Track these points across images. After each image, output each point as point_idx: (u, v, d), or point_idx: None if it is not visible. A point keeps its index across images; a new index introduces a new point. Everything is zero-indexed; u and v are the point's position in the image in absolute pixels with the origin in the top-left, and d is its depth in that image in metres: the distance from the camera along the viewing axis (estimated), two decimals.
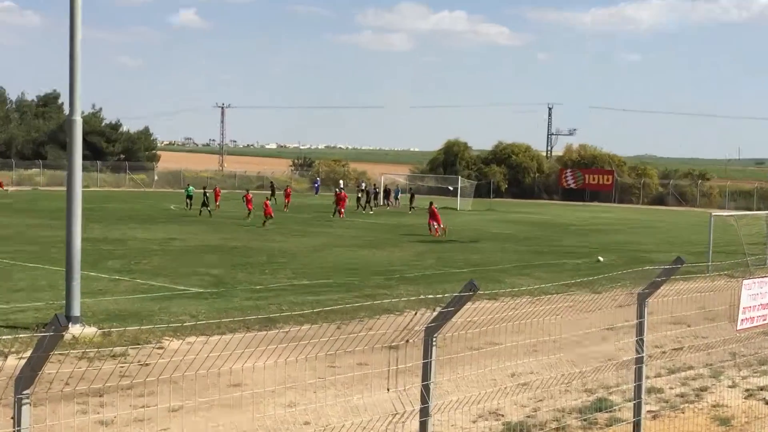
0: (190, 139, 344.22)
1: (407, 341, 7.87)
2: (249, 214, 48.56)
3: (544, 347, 11.43)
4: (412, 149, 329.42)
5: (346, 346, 9.07)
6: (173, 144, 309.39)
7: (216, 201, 54.53)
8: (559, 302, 12.05)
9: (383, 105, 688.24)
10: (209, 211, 50.63)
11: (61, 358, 11.81)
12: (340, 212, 53.40)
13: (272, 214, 44.90)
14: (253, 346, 7.59)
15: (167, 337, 15.60)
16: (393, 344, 8.76)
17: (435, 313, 7.44)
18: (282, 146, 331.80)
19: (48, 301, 19.62)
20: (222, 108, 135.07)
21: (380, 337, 8.43)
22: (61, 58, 16.48)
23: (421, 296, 19.56)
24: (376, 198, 67.08)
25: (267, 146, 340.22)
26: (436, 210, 42.19)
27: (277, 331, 13.07)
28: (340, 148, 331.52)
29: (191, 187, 57.13)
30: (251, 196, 51.00)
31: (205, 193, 51.89)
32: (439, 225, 41.44)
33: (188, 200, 55.31)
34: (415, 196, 66.23)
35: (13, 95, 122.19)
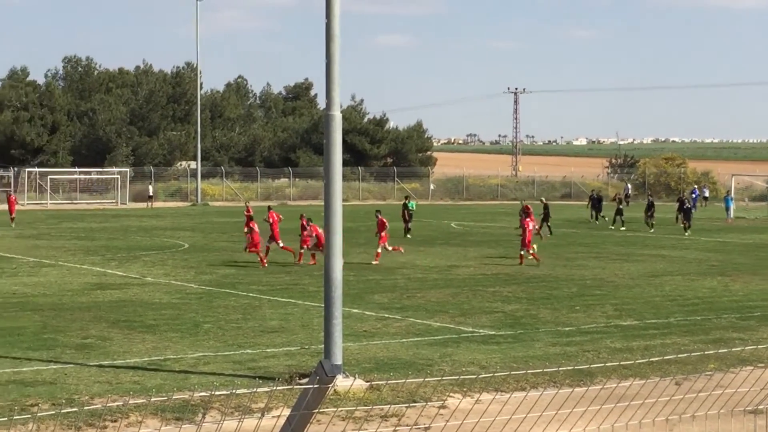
0: (475, 136, 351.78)
1: None
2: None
3: None
4: None
5: (691, 409, 8.86)
6: (452, 143, 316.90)
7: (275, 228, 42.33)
8: None
9: (731, 83, 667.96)
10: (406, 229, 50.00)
11: (322, 418, 12.37)
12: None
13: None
14: (566, 407, 7.60)
15: (452, 394, 15.91)
16: (757, 408, 8.47)
17: None
18: (594, 141, 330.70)
19: (302, 344, 20.62)
20: (515, 94, 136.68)
21: (739, 399, 8.19)
22: (315, 39, 17.32)
23: None
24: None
25: (575, 142, 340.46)
26: (530, 219, 38.06)
27: (599, 388, 12.98)
28: (673, 141, 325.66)
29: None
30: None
31: (406, 205, 50.83)
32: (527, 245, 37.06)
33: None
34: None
35: (256, 88, 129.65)
